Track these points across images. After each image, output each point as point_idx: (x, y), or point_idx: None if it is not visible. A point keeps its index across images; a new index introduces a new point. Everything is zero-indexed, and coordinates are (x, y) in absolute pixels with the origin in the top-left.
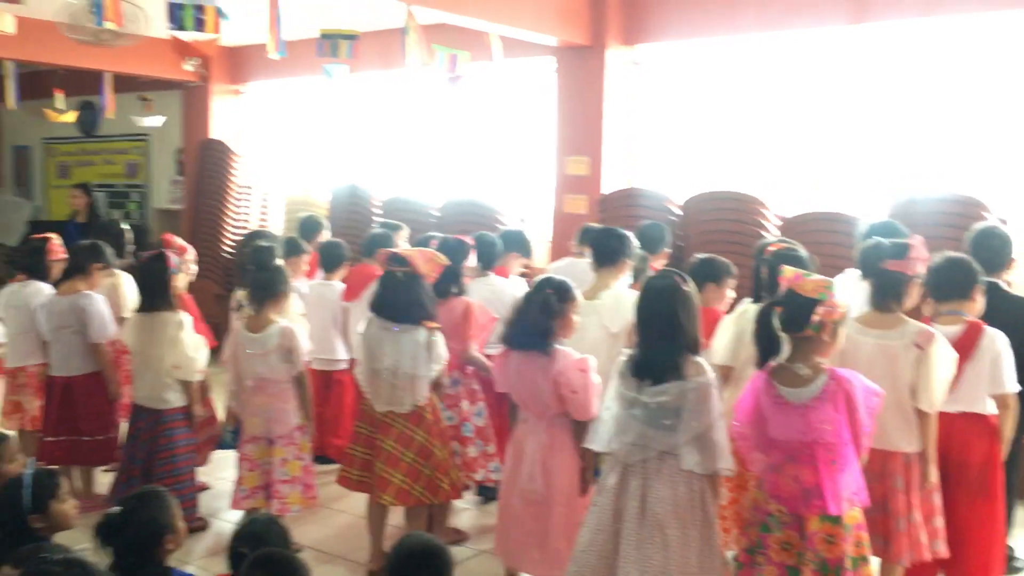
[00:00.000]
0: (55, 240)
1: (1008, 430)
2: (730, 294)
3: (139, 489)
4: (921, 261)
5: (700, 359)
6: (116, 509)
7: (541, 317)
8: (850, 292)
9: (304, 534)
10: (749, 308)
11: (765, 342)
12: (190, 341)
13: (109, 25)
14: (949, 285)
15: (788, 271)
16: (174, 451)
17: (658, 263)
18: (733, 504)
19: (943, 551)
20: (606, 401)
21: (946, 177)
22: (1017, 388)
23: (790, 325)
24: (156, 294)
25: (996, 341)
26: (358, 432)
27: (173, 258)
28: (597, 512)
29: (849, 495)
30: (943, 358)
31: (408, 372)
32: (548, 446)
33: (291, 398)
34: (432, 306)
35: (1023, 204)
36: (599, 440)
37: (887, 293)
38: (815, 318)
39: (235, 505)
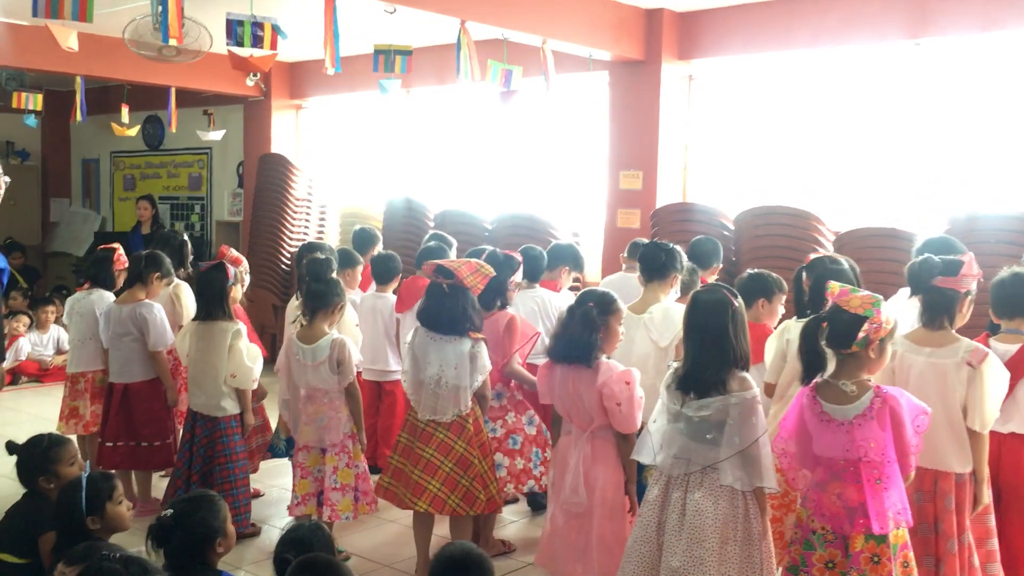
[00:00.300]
0: (120, 250)
1: None
2: (781, 310)
3: (191, 493)
4: (972, 278)
5: (746, 375)
6: (168, 512)
7: (584, 330)
8: (902, 309)
9: (353, 542)
10: (791, 325)
11: (810, 358)
12: (246, 350)
13: (173, 42)
14: (1012, 302)
15: (834, 286)
16: (231, 458)
17: (710, 278)
18: (776, 523)
19: (999, 574)
20: (654, 414)
21: (1008, 193)
22: None
23: (835, 342)
24: (214, 303)
25: None
26: (399, 441)
27: (231, 268)
28: (641, 524)
29: (894, 514)
30: (995, 377)
31: (452, 382)
32: (591, 458)
33: (343, 407)
34: (478, 317)
35: None
36: (646, 453)
37: (938, 310)
38: (861, 335)
39: (290, 512)
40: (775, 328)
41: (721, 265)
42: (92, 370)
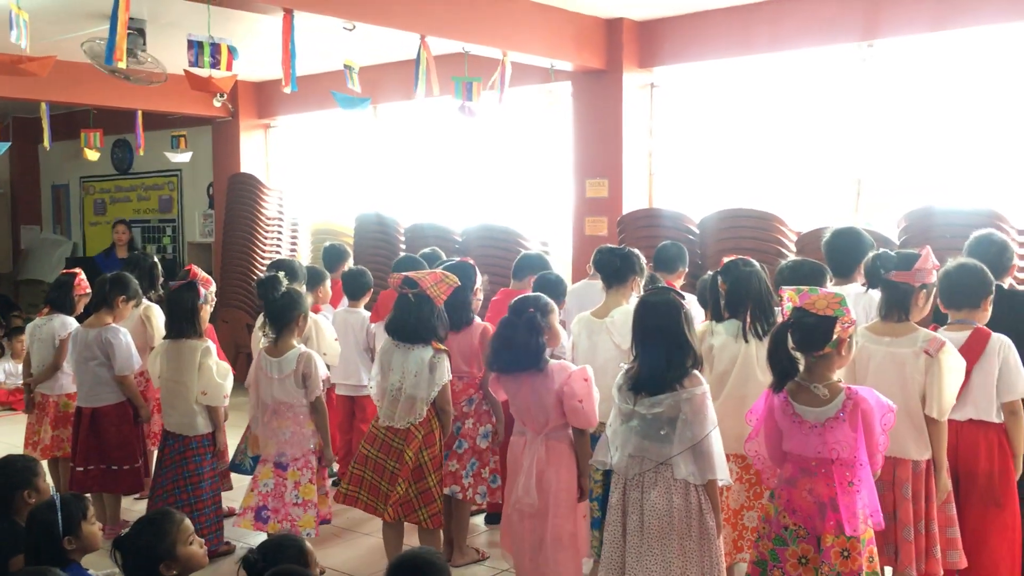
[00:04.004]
0: (81, 275)
1: (1020, 440)
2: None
3: (150, 512)
4: (927, 271)
5: (697, 371)
6: (126, 530)
7: (531, 337)
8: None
9: (328, 556)
10: (713, 328)
11: (782, 365)
12: (216, 367)
13: (121, 65)
14: (957, 292)
15: (791, 292)
16: (202, 477)
17: (676, 282)
18: (736, 516)
19: (960, 562)
20: (610, 417)
21: (965, 189)
22: None
23: (807, 345)
24: (184, 321)
25: (1004, 347)
26: (360, 451)
27: (200, 288)
28: (608, 530)
29: (864, 516)
30: (953, 365)
31: (409, 391)
32: (545, 460)
33: (307, 422)
34: (443, 328)
35: None
36: (603, 454)
37: (893, 304)
38: (834, 336)
39: (235, 523)
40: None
41: (687, 269)
42: (55, 395)
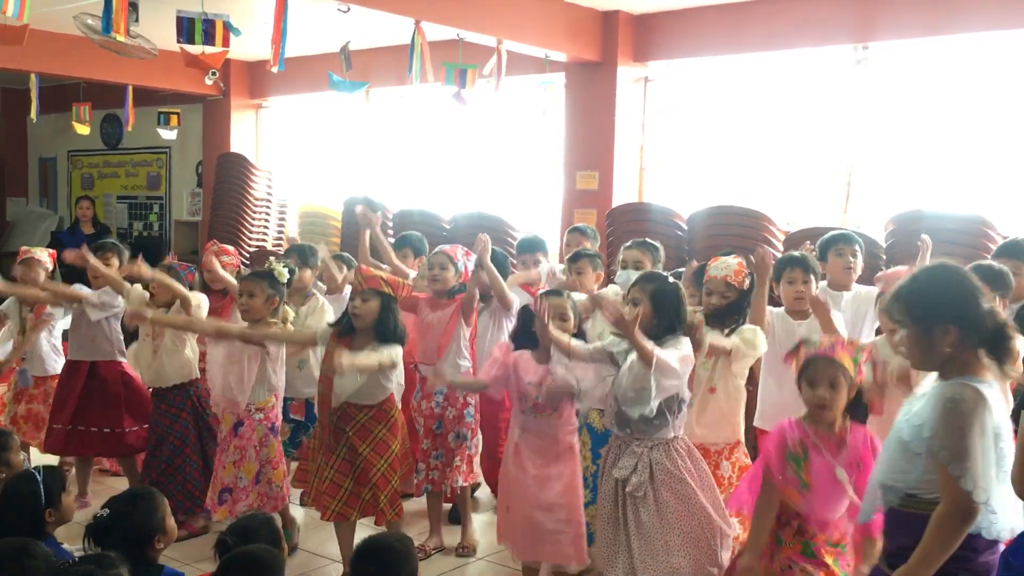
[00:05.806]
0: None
1: None
2: None
3: (129, 490)
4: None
5: None
6: (105, 511)
7: None
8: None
9: (304, 539)
10: None
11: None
12: None
13: (119, 38)
14: None
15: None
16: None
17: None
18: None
19: None
20: None
21: (954, 194)
22: None
23: None
24: None
25: None
26: None
27: None
28: None
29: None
30: None
31: None
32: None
33: None
34: None
35: None
36: None
37: None
38: None
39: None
40: None
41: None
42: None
